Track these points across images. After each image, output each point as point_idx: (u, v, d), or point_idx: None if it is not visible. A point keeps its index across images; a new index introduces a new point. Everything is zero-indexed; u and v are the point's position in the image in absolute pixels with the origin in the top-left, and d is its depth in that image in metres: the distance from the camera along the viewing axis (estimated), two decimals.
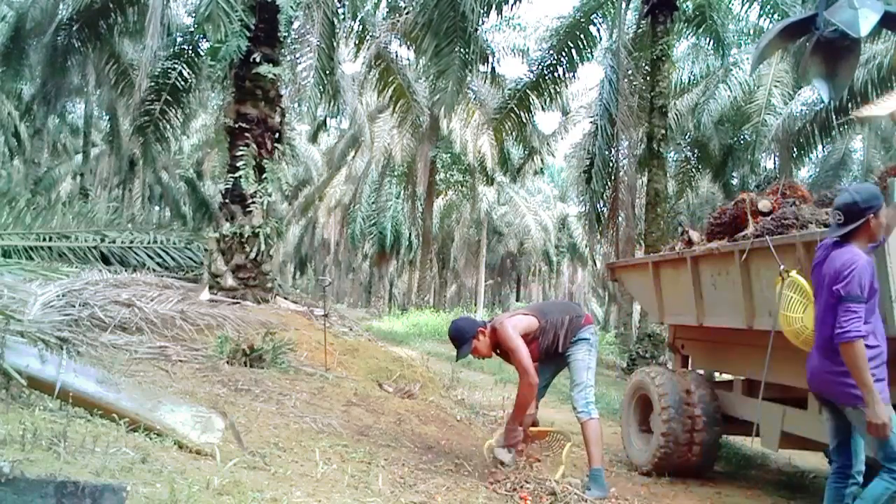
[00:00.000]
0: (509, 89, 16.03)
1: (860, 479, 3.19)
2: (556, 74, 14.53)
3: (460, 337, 4.22)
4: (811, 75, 5.53)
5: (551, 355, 4.26)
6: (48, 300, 4.53)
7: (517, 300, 41.43)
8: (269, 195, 8.82)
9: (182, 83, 12.37)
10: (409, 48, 15.19)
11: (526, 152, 23.40)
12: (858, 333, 2.88)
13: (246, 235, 8.55)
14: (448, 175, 28.73)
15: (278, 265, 30.44)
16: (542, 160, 25.06)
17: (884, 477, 3.00)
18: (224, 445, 3.14)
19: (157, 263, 9.17)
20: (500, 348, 4.25)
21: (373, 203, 29.57)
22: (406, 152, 23.47)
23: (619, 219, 12.83)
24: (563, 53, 14.19)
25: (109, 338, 5.02)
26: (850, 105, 13.24)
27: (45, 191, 21.95)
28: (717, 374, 6.20)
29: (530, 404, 4.17)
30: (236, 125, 8.79)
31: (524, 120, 15.79)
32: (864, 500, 3.03)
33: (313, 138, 27.93)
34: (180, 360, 5.17)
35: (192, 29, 12.35)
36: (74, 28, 12.95)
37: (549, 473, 4.15)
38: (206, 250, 9.01)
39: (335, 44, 10.63)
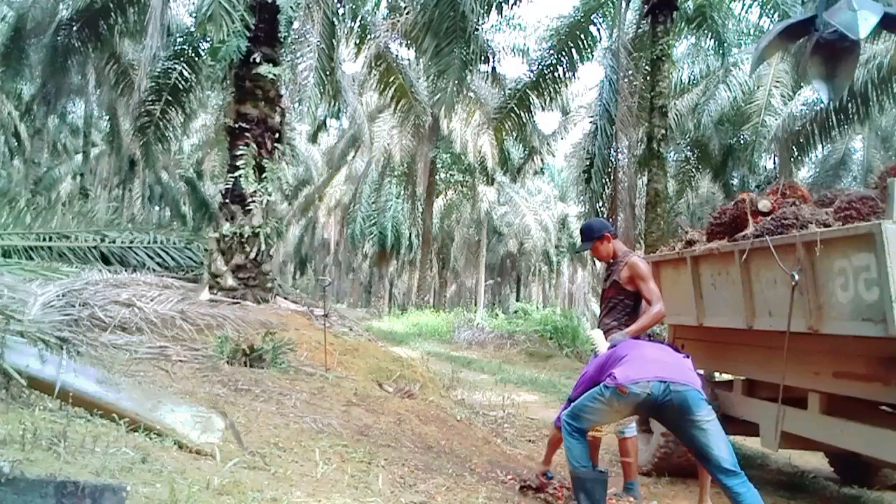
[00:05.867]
0: (509, 89, 16.03)
1: None
2: (556, 74, 14.53)
3: (588, 232, 4.48)
4: (811, 76, 5.54)
5: None
6: (48, 300, 4.54)
7: (517, 300, 41.39)
8: (269, 195, 8.82)
9: (182, 83, 12.38)
10: (409, 48, 15.21)
11: (526, 152, 23.43)
12: None
13: (246, 235, 8.55)
14: (448, 175, 28.74)
15: (278, 265, 30.47)
16: (542, 160, 25.09)
17: None
18: (224, 445, 3.14)
19: (157, 263, 9.17)
20: (614, 272, 4.36)
21: (373, 203, 29.58)
22: (406, 152, 23.48)
23: (619, 219, 12.82)
24: (563, 53, 14.19)
25: (109, 338, 5.02)
26: (850, 105, 13.25)
27: (45, 191, 21.95)
28: (717, 374, 6.20)
29: (651, 326, 4.23)
30: (236, 125, 8.79)
31: (524, 120, 15.79)
32: None
33: (313, 138, 27.94)
34: (180, 360, 5.17)
35: (193, 29, 12.36)
36: (74, 28, 12.96)
37: None
38: (206, 250, 9.01)
39: (335, 44, 10.64)
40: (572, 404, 3.53)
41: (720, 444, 3.18)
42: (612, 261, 4.42)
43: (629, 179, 13.26)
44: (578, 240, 4.57)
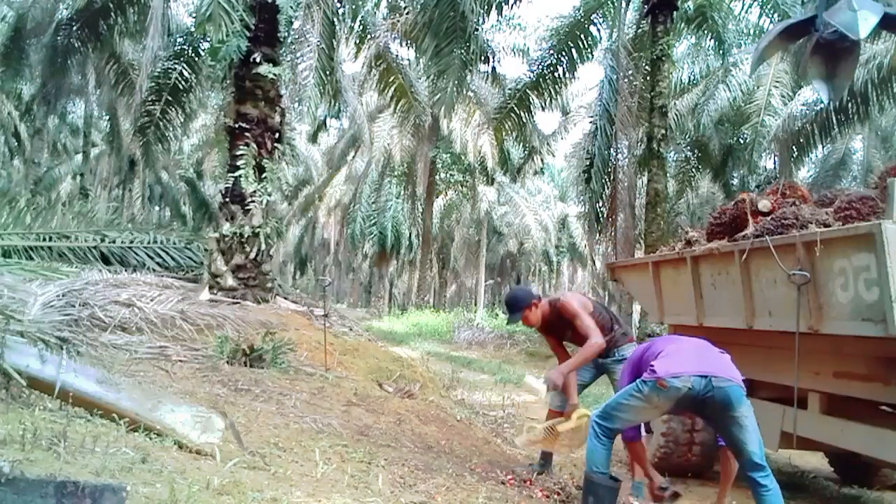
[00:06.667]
0: (509, 89, 16.04)
1: None
2: (556, 74, 14.54)
3: (514, 304, 4.40)
4: (811, 76, 5.54)
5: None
6: (48, 300, 4.54)
7: None
8: (269, 195, 8.82)
9: (182, 83, 12.38)
10: (409, 48, 15.23)
11: (526, 152, 23.39)
12: None
13: (246, 235, 8.55)
14: (448, 175, 28.72)
15: (278, 265, 30.47)
16: (542, 160, 25.06)
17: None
18: (224, 445, 3.14)
19: (157, 263, 9.17)
20: (554, 323, 4.33)
21: (373, 203, 29.57)
22: (406, 152, 23.48)
23: (619, 219, 12.83)
24: (563, 53, 14.19)
25: (109, 338, 5.02)
26: (850, 105, 13.24)
27: (45, 191, 21.94)
28: None
29: (589, 361, 4.19)
30: (236, 125, 8.80)
31: (524, 120, 15.80)
32: None
33: (313, 138, 27.93)
34: (180, 360, 5.17)
35: (193, 29, 12.35)
36: (74, 28, 12.96)
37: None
38: (206, 250, 9.01)
39: (335, 44, 10.64)
40: (604, 404, 3.41)
41: (754, 440, 3.17)
42: (547, 320, 4.35)
43: (629, 179, 13.26)
44: (507, 313, 4.46)
